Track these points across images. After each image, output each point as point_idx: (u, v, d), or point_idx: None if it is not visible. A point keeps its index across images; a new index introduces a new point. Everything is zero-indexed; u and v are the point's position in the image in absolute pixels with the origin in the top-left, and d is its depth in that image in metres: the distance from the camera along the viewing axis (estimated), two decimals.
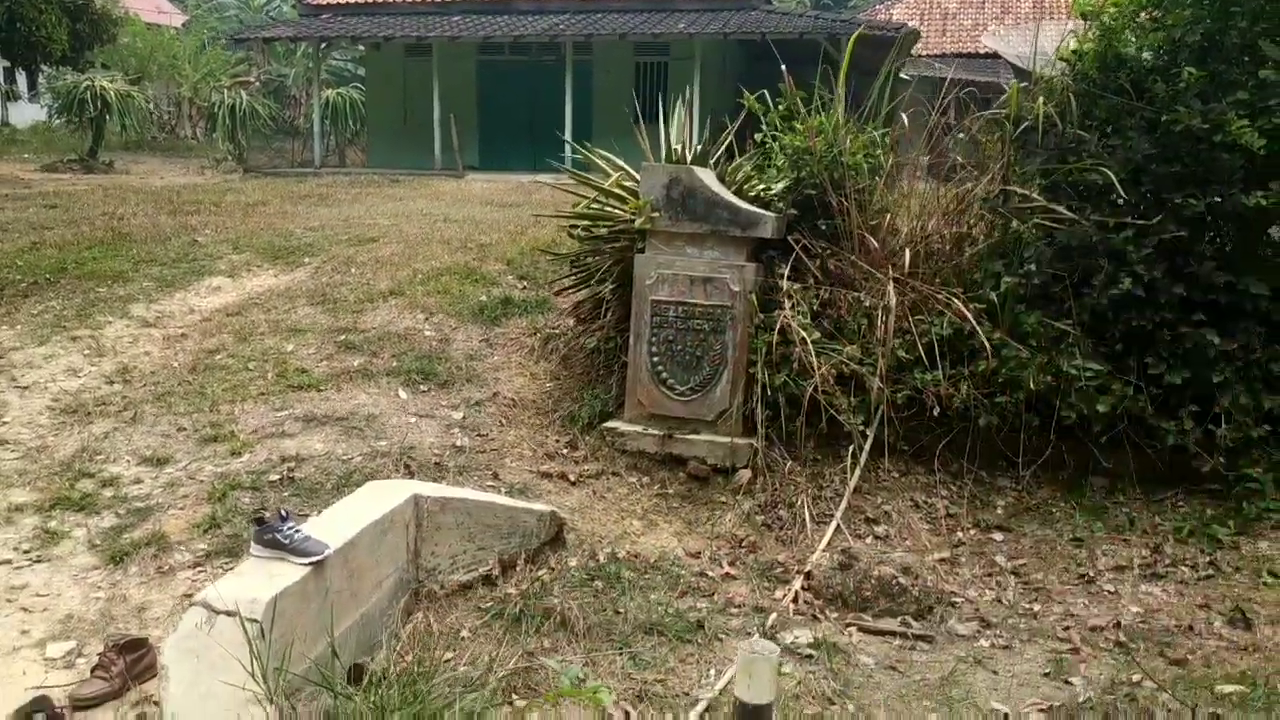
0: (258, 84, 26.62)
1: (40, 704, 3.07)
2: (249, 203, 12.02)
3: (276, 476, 5.00)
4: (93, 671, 3.42)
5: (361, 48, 22.45)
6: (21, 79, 29.12)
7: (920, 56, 20.38)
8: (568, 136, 15.64)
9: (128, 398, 6.01)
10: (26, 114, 29.66)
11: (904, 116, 6.35)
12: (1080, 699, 3.88)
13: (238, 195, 13.01)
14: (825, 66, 6.38)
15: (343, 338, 6.72)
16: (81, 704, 3.28)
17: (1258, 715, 3.73)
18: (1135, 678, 4.01)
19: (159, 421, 5.69)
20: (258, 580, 3.40)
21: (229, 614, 3.19)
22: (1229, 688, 3.92)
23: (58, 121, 24.66)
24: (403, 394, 6.05)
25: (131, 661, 3.40)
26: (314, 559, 3.57)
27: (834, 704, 3.82)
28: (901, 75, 10.08)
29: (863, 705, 3.80)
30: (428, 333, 6.86)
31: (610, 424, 5.80)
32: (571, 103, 17.86)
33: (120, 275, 8.10)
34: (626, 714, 3.59)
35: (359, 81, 25.10)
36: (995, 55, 15.46)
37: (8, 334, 6.86)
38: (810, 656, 4.14)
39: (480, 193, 13.79)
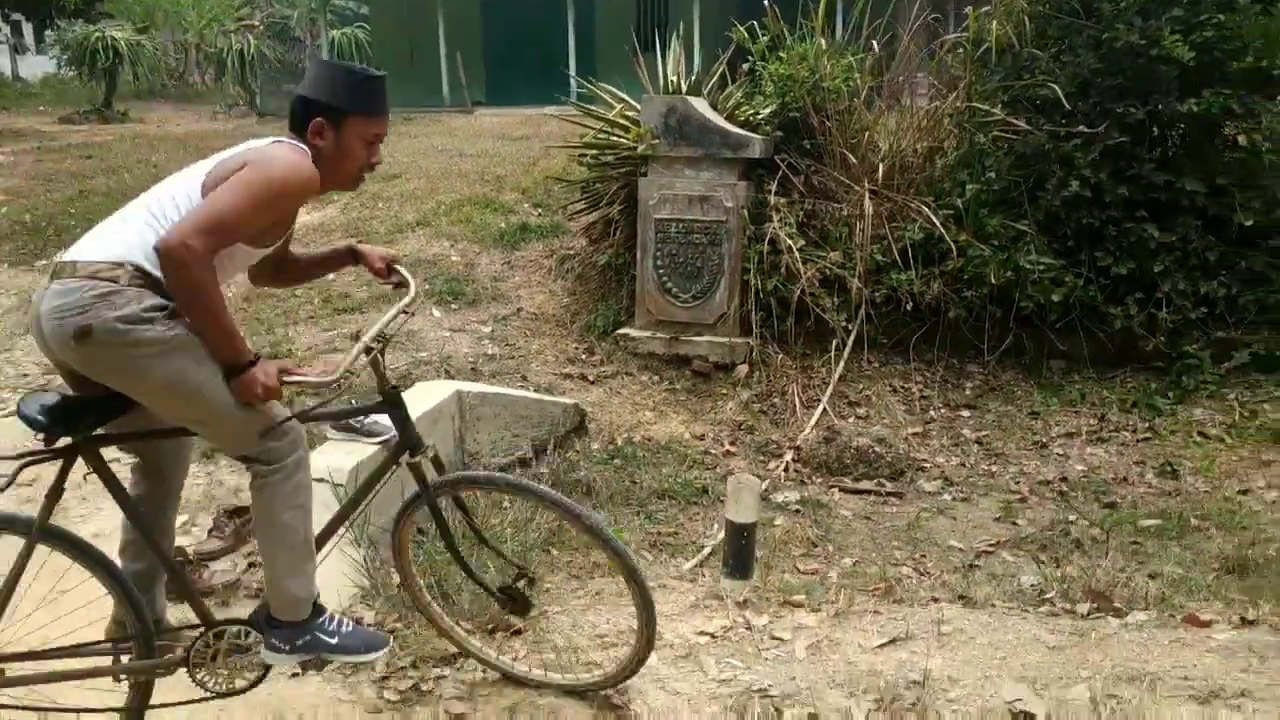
0: (261, 27, 26.98)
1: (177, 553, 3.83)
2: None
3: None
4: (209, 534, 4.19)
5: None
6: (28, 31, 29.57)
7: None
8: (572, 70, 16.15)
9: None
10: (35, 66, 30.12)
11: (907, 38, 6.91)
12: (1023, 535, 4.64)
13: (259, 138, 13.60)
14: None
15: None
16: (204, 557, 4.05)
17: (1169, 541, 4.49)
18: (1072, 518, 4.77)
19: None
20: (339, 455, 4.16)
21: (319, 480, 3.94)
22: (1150, 522, 4.67)
23: (70, 73, 25.14)
24: (436, 313, 6.77)
25: (241, 524, 4.16)
26: (381, 439, 4.33)
27: (816, 545, 4.58)
28: None
29: (840, 545, 4.57)
30: (454, 258, 7.56)
31: (622, 330, 6.53)
32: (574, 36, 18.28)
33: None
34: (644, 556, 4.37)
35: (363, 21, 25.39)
36: None
37: None
38: (798, 511, 4.90)
39: (491, 127, 14.35)
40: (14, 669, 2.68)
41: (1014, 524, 4.76)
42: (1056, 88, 5.85)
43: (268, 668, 2.77)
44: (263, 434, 2.50)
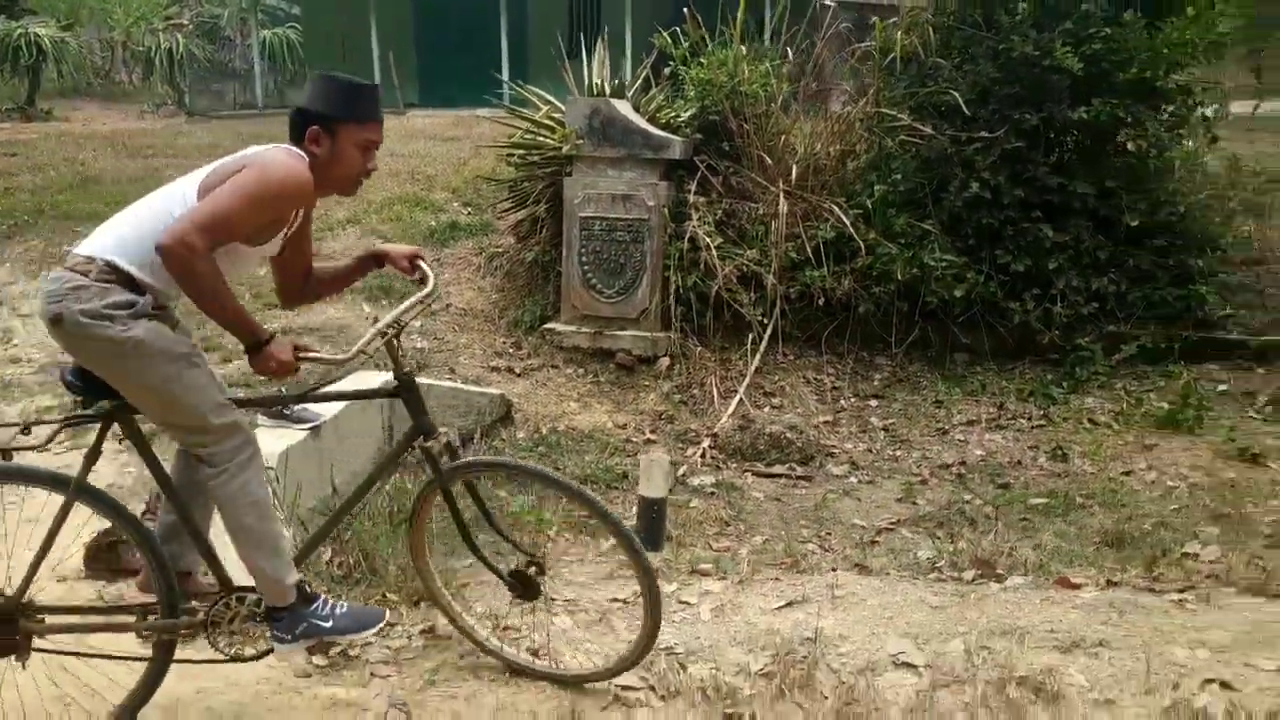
0: (190, 26, 26.69)
1: (110, 534, 3.97)
2: (202, 144, 12.63)
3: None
4: (143, 515, 4.33)
5: None
6: None
7: None
8: (505, 73, 16.30)
9: None
10: None
11: (820, 46, 7.23)
12: (922, 513, 4.95)
13: (189, 138, 13.60)
14: None
15: None
16: None
17: (1055, 517, 4.82)
18: (968, 498, 5.09)
19: None
20: (269, 440, 4.32)
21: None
22: (1039, 501, 5.01)
23: None
24: (366, 308, 6.93)
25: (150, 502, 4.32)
26: (310, 425, 4.51)
27: (729, 525, 4.85)
28: (825, 2, 10.93)
29: (751, 524, 4.84)
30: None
31: (549, 325, 6.75)
32: (507, 39, 18.45)
33: (96, 214, 8.77)
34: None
35: (294, 21, 25.26)
36: None
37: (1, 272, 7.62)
38: (713, 494, 5.16)
39: (421, 128, 14.45)
40: (51, 619, 2.92)
41: (914, 504, 5.07)
42: (958, 95, 6.21)
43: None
44: (204, 434, 2.68)
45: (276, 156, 2.71)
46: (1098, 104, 6.10)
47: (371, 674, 3.32)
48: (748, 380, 6.25)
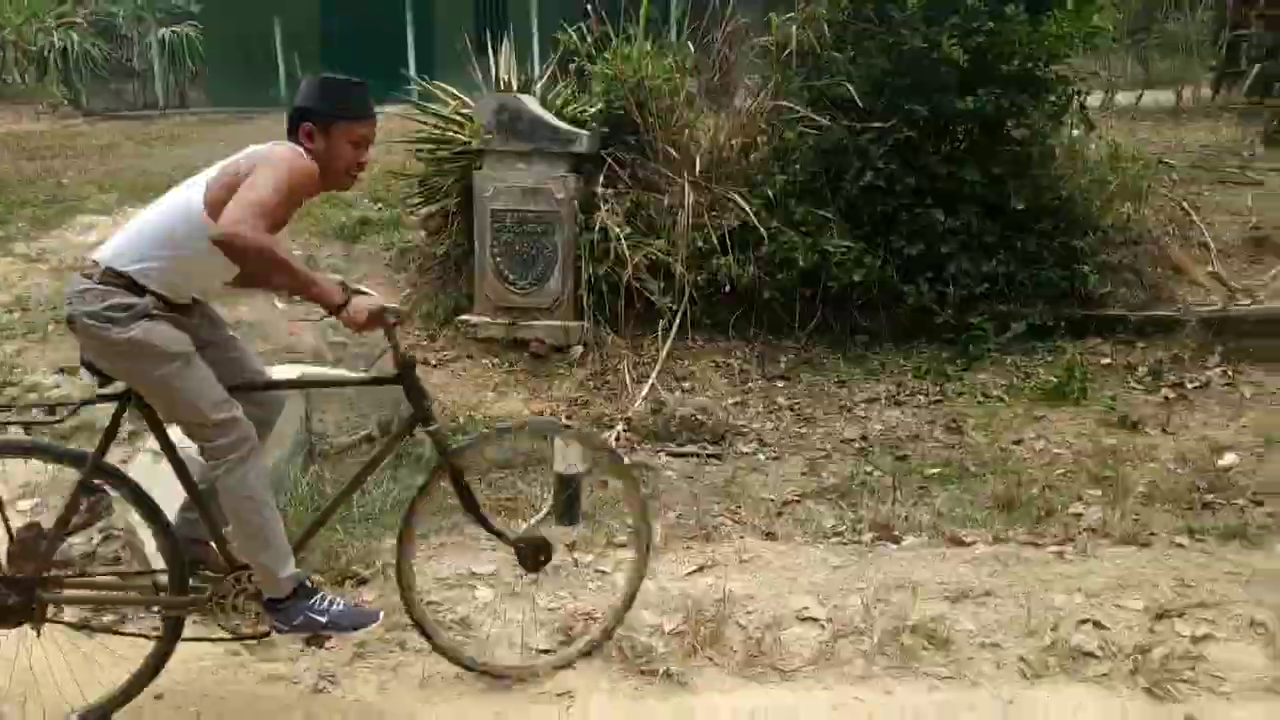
0: (85, 24, 25.97)
1: (32, 528, 3.99)
2: (103, 145, 12.42)
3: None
4: (65, 508, 4.35)
5: None
6: None
7: None
8: (411, 68, 16.30)
9: (30, 322, 6.75)
10: None
11: (721, 40, 7.45)
12: (826, 485, 5.19)
13: (88, 139, 13.33)
14: None
15: None
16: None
17: (950, 485, 5.10)
18: (869, 470, 5.35)
19: (65, 340, 6.45)
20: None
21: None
22: (935, 470, 5.29)
23: None
24: (279, 305, 6.94)
25: (94, 500, 4.34)
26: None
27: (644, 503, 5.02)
28: None
29: (666, 502, 5.02)
30: (296, 252, 7.71)
31: (463, 317, 6.85)
32: (413, 34, 18.40)
33: None
34: None
35: (193, 19, 24.76)
36: None
37: None
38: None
39: None
40: (67, 591, 3.15)
41: (818, 477, 5.30)
42: (852, 88, 6.48)
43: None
44: (204, 428, 2.85)
45: (284, 151, 2.85)
46: (983, 94, 6.41)
47: (301, 649, 3.44)
48: (659, 365, 6.43)
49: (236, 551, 3.03)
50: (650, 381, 6.30)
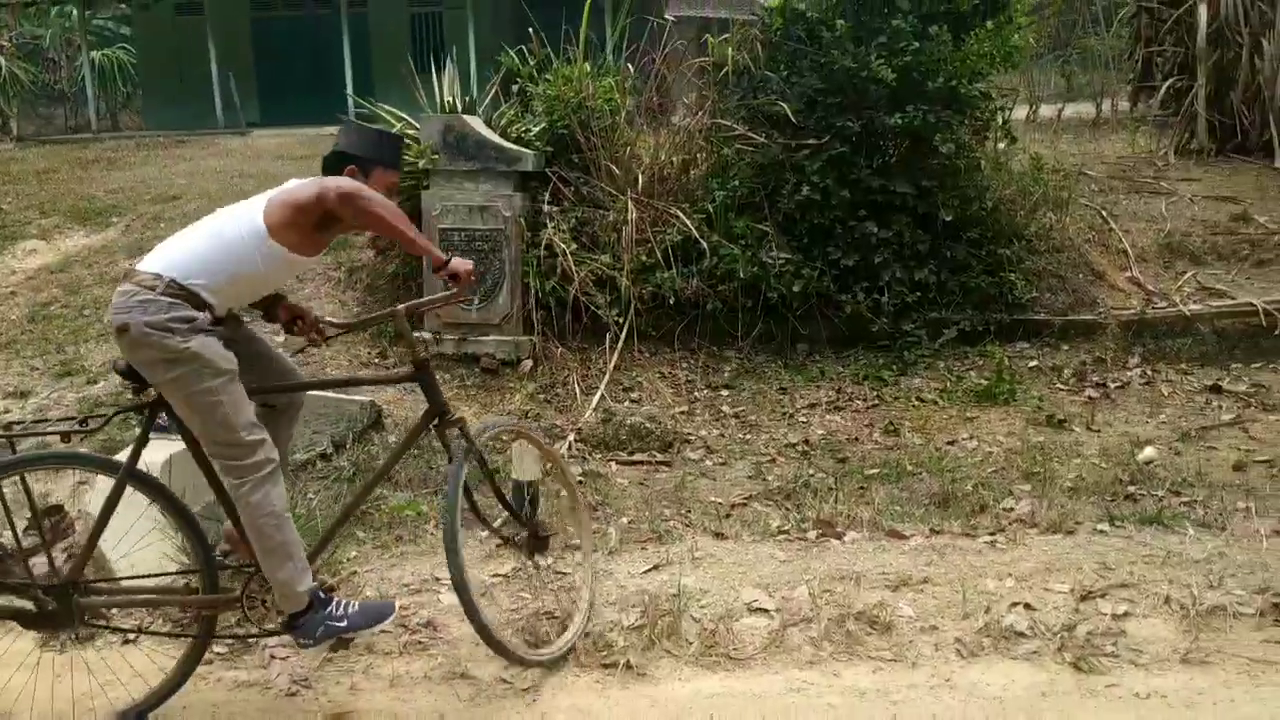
0: (11, 46, 25.59)
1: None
2: (38, 170, 12.31)
3: (132, 394, 5.96)
4: (24, 531, 4.41)
5: (125, 7, 22.10)
6: None
7: None
8: (349, 90, 16.33)
9: None
10: None
11: (659, 61, 7.68)
12: (771, 488, 5.40)
13: (23, 164, 13.19)
14: (599, 7, 7.64)
15: None
16: (25, 553, 4.29)
17: (889, 484, 5.34)
18: (811, 472, 5.57)
19: (11, 365, 6.50)
20: (152, 450, 4.46)
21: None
22: (874, 471, 5.53)
23: None
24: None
25: (54, 522, 4.41)
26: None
27: (596, 509, 5.19)
28: (666, 16, 11.46)
29: (618, 508, 5.20)
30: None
31: (414, 334, 6.96)
32: (350, 56, 18.45)
33: None
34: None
35: (124, 42, 24.53)
36: None
37: None
38: (581, 482, 5.50)
39: (269, 148, 14.37)
40: (102, 589, 3.30)
41: (764, 480, 5.51)
42: (786, 106, 6.74)
43: None
44: (234, 446, 3.00)
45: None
46: (911, 111, 6.71)
47: (271, 655, 3.56)
48: (607, 377, 6.61)
49: (260, 564, 3.16)
50: (599, 393, 6.48)
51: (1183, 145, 9.98)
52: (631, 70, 7.51)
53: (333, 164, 3.23)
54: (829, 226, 6.89)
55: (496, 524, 3.82)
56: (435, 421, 3.42)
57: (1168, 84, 10.47)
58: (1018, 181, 7.77)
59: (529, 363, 6.77)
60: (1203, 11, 9.61)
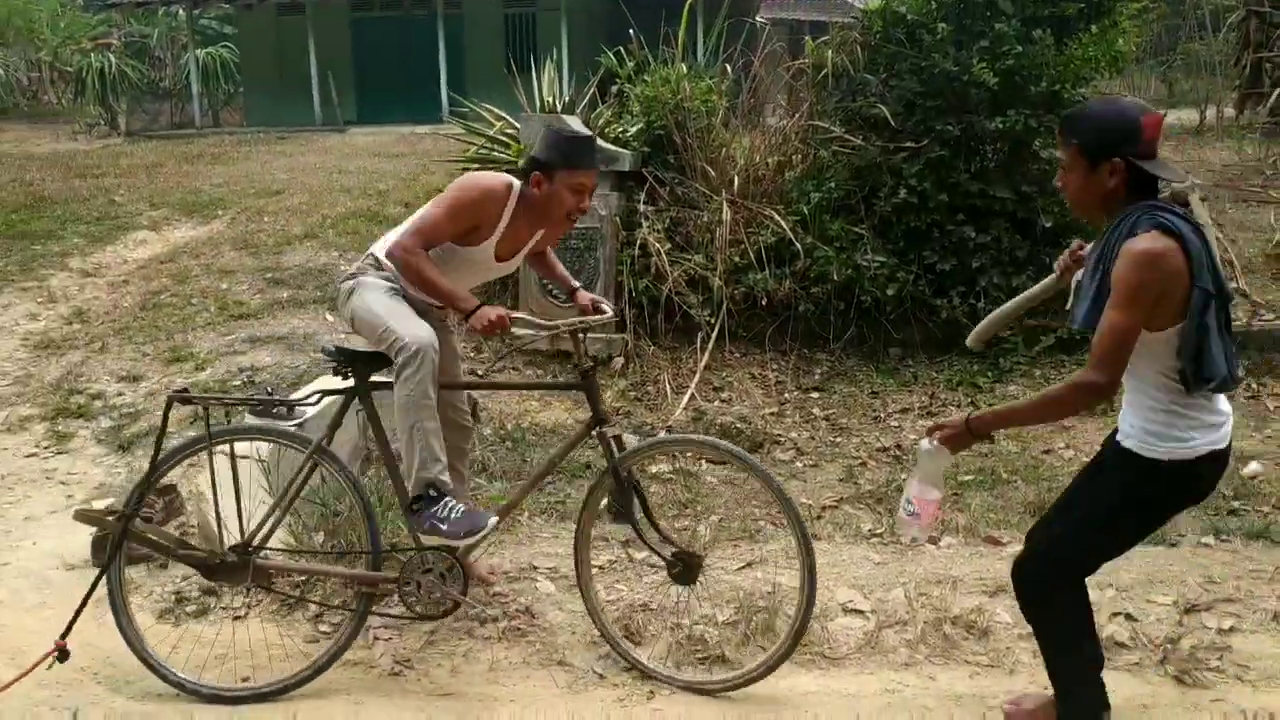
0: (120, 45, 26.51)
1: (110, 510, 4.24)
2: (147, 164, 12.79)
3: (239, 381, 6.17)
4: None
5: (229, 7, 22.75)
6: None
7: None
8: (444, 89, 16.60)
9: (90, 333, 7.05)
10: None
11: (757, 63, 7.72)
12: (862, 491, 5.39)
13: (132, 158, 13.72)
14: (694, 10, 7.71)
15: (269, 275, 7.83)
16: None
17: (984, 491, 5.29)
18: (903, 476, 5.53)
19: (124, 350, 6.76)
20: (260, 443, 4.63)
21: (244, 457, 4.41)
22: (968, 477, 5.47)
23: None
24: (329, 317, 7.21)
25: (167, 502, 4.60)
26: (296, 422, 4.81)
27: (686, 506, 5.24)
28: (759, 19, 11.50)
29: (707, 505, 5.23)
30: (343, 267, 7.99)
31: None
32: (445, 56, 18.77)
33: (51, 234, 9.01)
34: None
35: (227, 41, 25.26)
36: None
37: None
38: (670, 480, 5.55)
39: (365, 145, 14.73)
40: (276, 560, 3.60)
41: (855, 484, 5.50)
42: (884, 108, 6.71)
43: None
44: (393, 342, 3.29)
45: (467, 178, 3.47)
46: (1012, 115, 6.64)
47: (375, 637, 3.66)
48: (698, 376, 6.66)
49: (400, 447, 3.39)
50: (690, 392, 6.52)
51: None
52: (729, 72, 7.54)
53: (525, 170, 3.41)
54: (925, 230, 6.84)
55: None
56: (596, 430, 3.46)
57: (1279, 91, 10.16)
58: None
59: (620, 360, 6.84)
60: None
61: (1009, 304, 3.46)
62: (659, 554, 3.53)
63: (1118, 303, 2.42)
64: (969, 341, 3.46)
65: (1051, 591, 2.81)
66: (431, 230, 3.33)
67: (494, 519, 3.38)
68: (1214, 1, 15.05)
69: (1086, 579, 2.86)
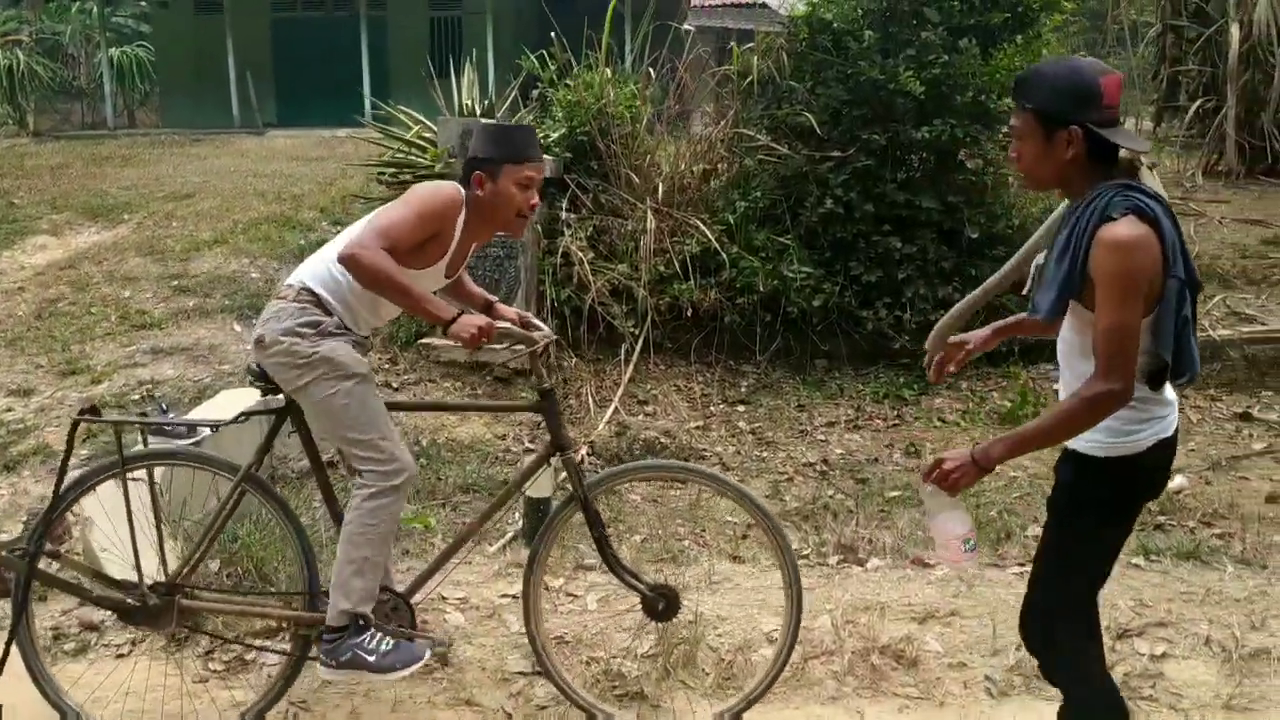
0: (30, 42, 25.59)
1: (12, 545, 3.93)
2: (53, 165, 12.27)
3: (138, 396, 5.84)
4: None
5: (144, 5, 22.08)
6: None
7: (705, 6, 21.69)
8: (366, 92, 16.23)
9: None
10: None
11: (682, 69, 7.57)
12: (789, 508, 5.25)
13: (37, 159, 13.16)
14: (619, 15, 7.52)
15: (175, 283, 7.48)
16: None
17: (910, 508, 5.18)
18: (830, 493, 5.42)
19: (16, 362, 6.37)
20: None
21: (136, 480, 4.13)
22: (895, 493, 5.37)
23: None
24: (237, 327, 6.90)
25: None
26: (192, 441, 4.53)
27: (609, 527, 5.04)
28: (685, 26, 11.36)
29: (631, 525, 5.05)
30: (253, 275, 7.68)
31: (425, 340, 6.84)
32: (368, 58, 18.38)
33: None
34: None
35: (143, 39, 24.52)
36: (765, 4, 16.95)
37: None
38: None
39: (284, 148, 14.31)
40: (205, 597, 3.28)
41: (781, 500, 5.37)
42: (811, 117, 6.60)
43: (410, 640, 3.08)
44: (371, 449, 2.91)
45: (428, 186, 3.04)
46: (938, 124, 6.57)
47: (268, 676, 3.41)
48: (621, 389, 6.47)
49: (336, 564, 3.01)
50: (613, 405, 6.34)
51: (1210, 167, 9.82)
52: (653, 77, 7.38)
53: (466, 172, 3.02)
54: (851, 241, 6.75)
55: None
56: (560, 456, 3.16)
57: (1196, 105, 10.29)
58: (1044, 200, 7.60)
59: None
60: (1235, 32, 9.44)
61: (966, 299, 3.30)
62: (634, 587, 3.19)
63: (1111, 301, 2.17)
64: (928, 344, 3.27)
65: (1067, 639, 2.61)
66: (397, 232, 2.84)
67: (428, 651, 3.11)
68: (1132, 16, 15.30)
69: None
